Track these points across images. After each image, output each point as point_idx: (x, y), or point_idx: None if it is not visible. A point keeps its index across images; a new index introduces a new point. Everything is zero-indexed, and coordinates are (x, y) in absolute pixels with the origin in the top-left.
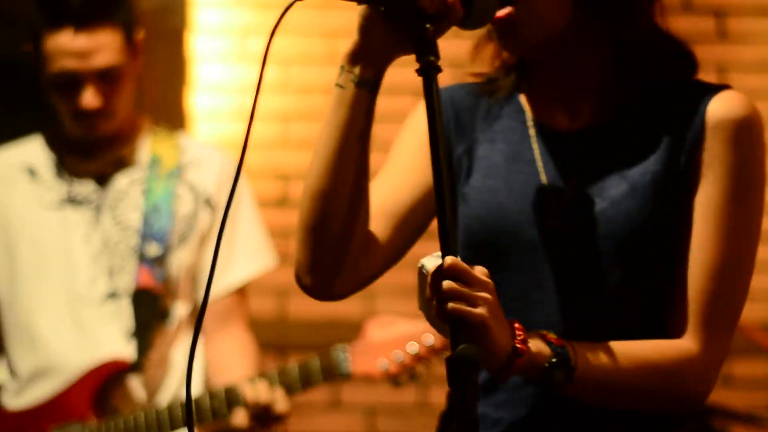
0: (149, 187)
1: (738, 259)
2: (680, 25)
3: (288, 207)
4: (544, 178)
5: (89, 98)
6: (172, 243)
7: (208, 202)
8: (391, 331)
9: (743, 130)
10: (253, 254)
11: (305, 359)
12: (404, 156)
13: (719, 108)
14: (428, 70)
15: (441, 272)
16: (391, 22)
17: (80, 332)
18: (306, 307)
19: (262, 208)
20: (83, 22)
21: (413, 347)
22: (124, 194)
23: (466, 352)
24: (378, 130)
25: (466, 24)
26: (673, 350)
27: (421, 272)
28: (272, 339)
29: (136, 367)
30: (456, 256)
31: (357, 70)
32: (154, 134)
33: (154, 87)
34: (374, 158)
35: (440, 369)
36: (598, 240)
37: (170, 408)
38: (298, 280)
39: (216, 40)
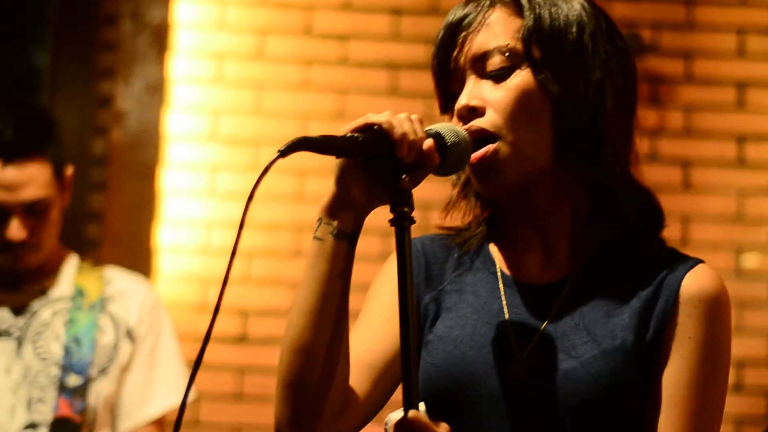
0: (72, 319)
1: None
2: (647, 174)
3: (246, 344)
4: (510, 331)
5: (15, 230)
6: (92, 374)
7: (129, 334)
8: None
9: (714, 308)
10: (173, 386)
11: None
12: (380, 307)
13: (693, 285)
14: (401, 220)
15: (402, 426)
16: (369, 172)
17: None
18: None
19: (220, 344)
20: (13, 154)
21: None
22: (46, 326)
23: None
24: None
25: (441, 170)
26: None
27: (385, 429)
28: None
29: None
30: (417, 409)
31: (335, 222)
32: (78, 266)
33: (122, 220)
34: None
35: None
36: (564, 398)
37: None
38: None
39: (186, 175)
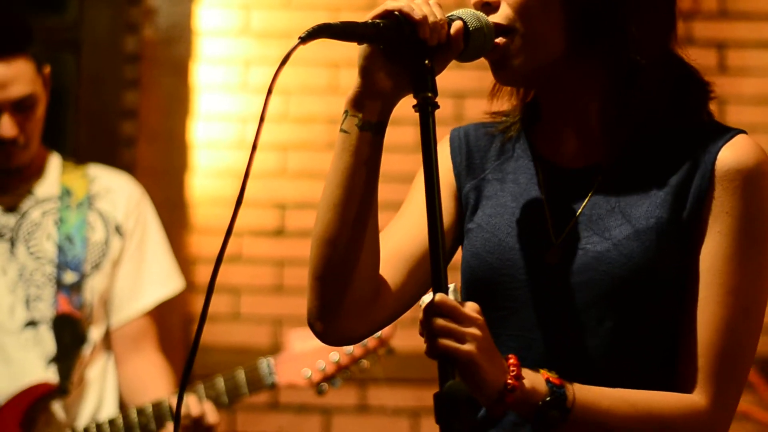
0: (62, 218)
1: (747, 313)
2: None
3: (284, 237)
4: (548, 216)
5: (7, 128)
6: (87, 270)
7: (118, 230)
8: (313, 341)
9: (753, 181)
10: (162, 278)
11: (231, 372)
12: (418, 200)
13: (729, 157)
14: (425, 106)
15: (430, 309)
16: (392, 59)
17: (2, 360)
18: None
19: (258, 237)
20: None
21: (335, 355)
22: (37, 225)
23: (453, 388)
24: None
25: (464, 56)
26: (680, 404)
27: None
28: None
29: (60, 390)
30: (446, 293)
31: (361, 113)
32: (63, 166)
33: (156, 116)
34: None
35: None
36: (598, 280)
37: (87, 430)
38: (311, 326)
39: (219, 70)
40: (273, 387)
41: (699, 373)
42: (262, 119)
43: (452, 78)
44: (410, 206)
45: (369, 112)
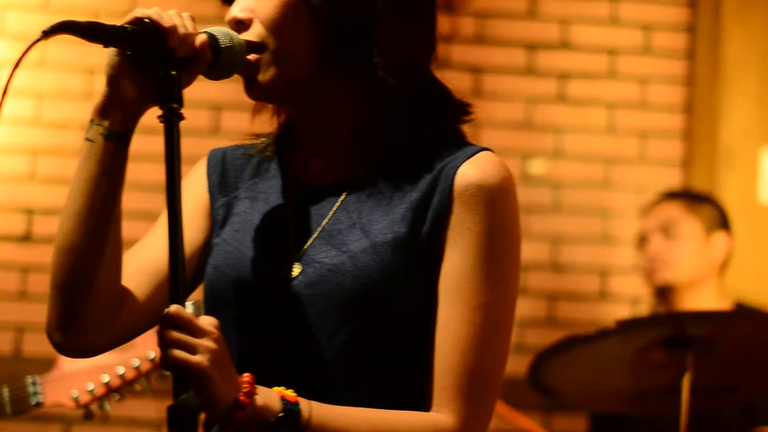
0: None
1: (494, 330)
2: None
3: (31, 243)
4: (291, 232)
5: None
6: None
7: None
8: (85, 362)
9: (494, 197)
10: None
11: None
12: None
13: (469, 173)
14: (170, 117)
15: (165, 321)
16: (139, 68)
17: None
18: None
19: (3, 242)
20: None
21: (106, 377)
22: None
23: (186, 401)
24: (131, 170)
25: (216, 73)
26: (426, 423)
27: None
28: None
29: None
30: (183, 305)
31: (106, 122)
32: None
33: None
34: (127, 198)
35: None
36: (332, 292)
37: None
38: (49, 336)
39: None
40: (38, 406)
41: (447, 391)
42: None
43: (209, 90)
44: (163, 221)
45: (114, 122)
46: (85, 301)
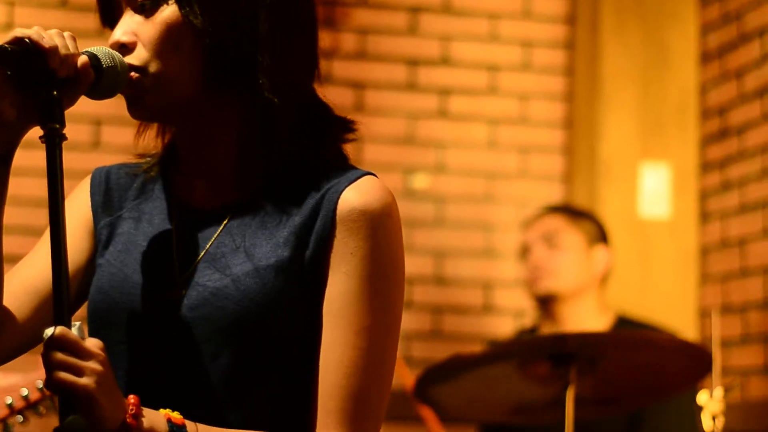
0: None
1: (377, 353)
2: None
3: None
4: (175, 255)
5: None
6: None
7: None
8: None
9: (377, 221)
10: None
11: None
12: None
13: (352, 198)
14: (52, 137)
15: (51, 343)
16: (19, 88)
17: None
18: None
19: None
20: None
21: (9, 399)
22: None
23: (73, 423)
24: (12, 185)
25: (98, 93)
26: None
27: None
28: None
29: None
30: (69, 327)
31: None
32: None
33: None
34: (8, 213)
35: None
36: (214, 315)
37: None
38: None
39: None
40: None
41: (331, 415)
42: None
43: (90, 104)
44: (45, 241)
45: None
46: None
